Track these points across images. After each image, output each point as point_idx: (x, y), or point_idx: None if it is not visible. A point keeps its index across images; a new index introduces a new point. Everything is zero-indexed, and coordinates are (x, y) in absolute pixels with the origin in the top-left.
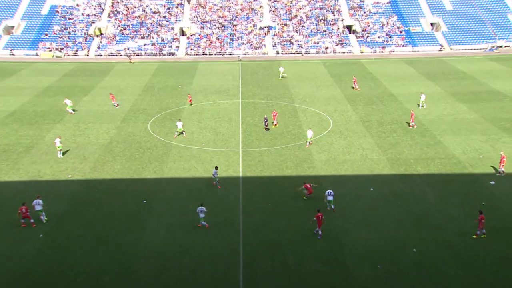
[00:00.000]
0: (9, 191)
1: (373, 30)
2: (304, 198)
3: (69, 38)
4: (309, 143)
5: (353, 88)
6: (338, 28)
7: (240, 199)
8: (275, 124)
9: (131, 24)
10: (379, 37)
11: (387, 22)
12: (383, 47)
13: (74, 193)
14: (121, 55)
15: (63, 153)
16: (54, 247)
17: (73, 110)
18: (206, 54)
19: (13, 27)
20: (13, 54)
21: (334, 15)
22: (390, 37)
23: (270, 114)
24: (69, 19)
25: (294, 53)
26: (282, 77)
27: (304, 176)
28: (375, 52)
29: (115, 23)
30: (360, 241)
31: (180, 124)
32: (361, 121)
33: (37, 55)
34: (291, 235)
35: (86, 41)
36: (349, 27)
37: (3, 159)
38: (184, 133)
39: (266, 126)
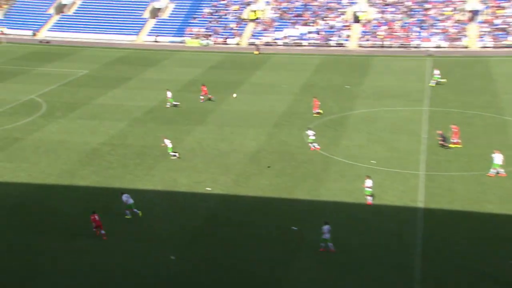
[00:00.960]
0: (144, 202)
1: None
2: None
3: (219, 23)
4: (497, 172)
5: None
6: None
7: (418, 237)
8: (455, 144)
9: (294, 7)
10: None
11: None
12: None
13: (212, 209)
14: (278, 45)
15: (173, 152)
16: (185, 271)
17: (175, 103)
18: (384, 47)
19: (159, 9)
20: (157, 41)
21: None
22: None
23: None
24: (222, 0)
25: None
26: (437, 83)
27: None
28: None
29: (275, 5)
30: None
31: (311, 133)
32: None
33: (183, 42)
34: None
35: (238, 27)
36: None
37: (138, 163)
38: (314, 145)
39: (443, 143)
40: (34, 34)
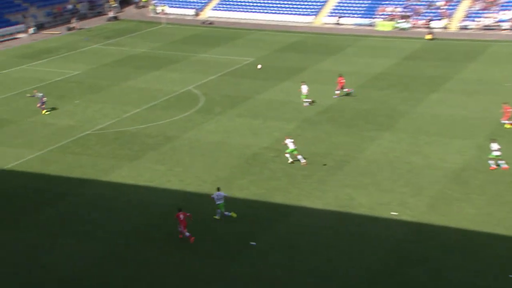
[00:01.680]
0: (311, 224)
1: None
2: None
3: (421, 1)
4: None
5: None
6: None
7: None
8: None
9: None
10: None
11: None
12: None
13: (398, 241)
14: (502, 30)
15: (295, 160)
16: None
17: (310, 102)
18: None
19: None
20: (340, 24)
21: None
22: None
23: None
24: None
25: None
26: None
27: None
28: None
29: None
30: None
31: (496, 147)
32: None
33: (372, 25)
34: None
35: (448, 5)
36: None
37: (307, 175)
38: (500, 163)
39: None
40: (196, 14)
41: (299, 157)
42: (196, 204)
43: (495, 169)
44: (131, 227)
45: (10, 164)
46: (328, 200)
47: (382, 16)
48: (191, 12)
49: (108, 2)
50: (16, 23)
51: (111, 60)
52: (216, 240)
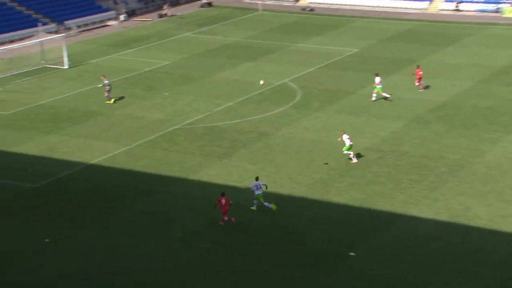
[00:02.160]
0: (420, 232)
1: None
2: None
3: None
4: None
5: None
6: None
7: None
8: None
9: None
10: None
11: None
12: None
13: None
14: None
15: (357, 156)
16: None
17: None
18: None
19: None
20: (459, 10)
21: None
22: None
23: None
24: None
25: None
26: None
27: None
28: None
29: None
30: None
31: None
32: None
33: (498, 11)
34: None
35: None
36: None
37: (415, 180)
38: None
39: None
40: (296, 0)
41: (351, 154)
42: (289, 208)
43: None
44: (217, 229)
45: (97, 158)
46: (438, 209)
47: (511, 1)
48: None
49: None
50: (107, 10)
51: (203, 49)
52: (310, 248)
